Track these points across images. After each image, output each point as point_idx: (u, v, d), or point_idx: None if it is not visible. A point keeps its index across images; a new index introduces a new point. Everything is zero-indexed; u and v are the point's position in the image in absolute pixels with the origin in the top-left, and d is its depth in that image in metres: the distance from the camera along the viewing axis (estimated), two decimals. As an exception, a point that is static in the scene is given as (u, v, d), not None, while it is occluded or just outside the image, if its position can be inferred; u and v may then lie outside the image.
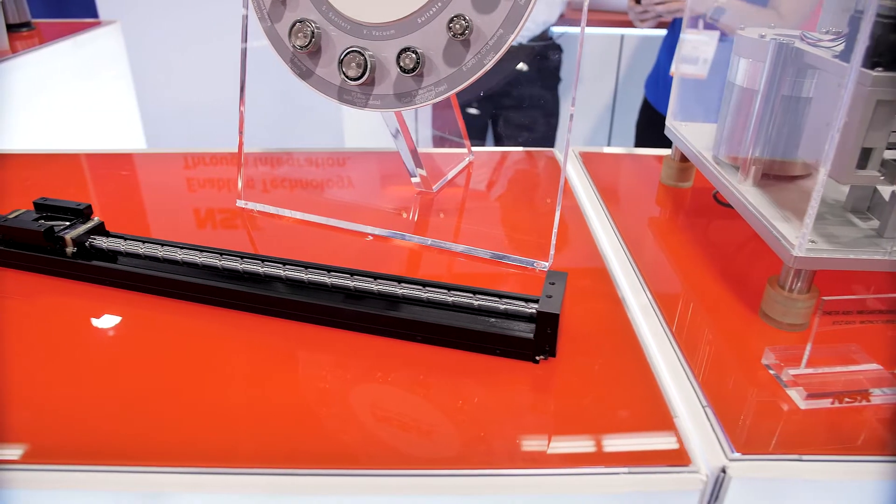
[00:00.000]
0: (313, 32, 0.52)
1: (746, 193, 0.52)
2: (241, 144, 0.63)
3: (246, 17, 0.58)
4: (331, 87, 0.54)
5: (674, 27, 1.34)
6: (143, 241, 0.51)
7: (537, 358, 0.43)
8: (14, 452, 0.36)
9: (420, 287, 0.45)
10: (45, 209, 0.53)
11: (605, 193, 0.67)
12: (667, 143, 0.70)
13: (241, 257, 0.49)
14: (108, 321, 0.47)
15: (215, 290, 0.47)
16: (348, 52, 0.51)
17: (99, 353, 0.44)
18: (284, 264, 0.47)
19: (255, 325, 0.46)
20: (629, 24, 1.39)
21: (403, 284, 0.46)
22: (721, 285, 0.52)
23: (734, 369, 0.43)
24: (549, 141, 1.71)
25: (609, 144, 2.15)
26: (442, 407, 0.39)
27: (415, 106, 0.51)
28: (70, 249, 0.50)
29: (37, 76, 1.32)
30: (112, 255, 0.51)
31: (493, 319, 0.44)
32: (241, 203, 0.64)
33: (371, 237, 0.58)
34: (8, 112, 1.23)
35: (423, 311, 0.45)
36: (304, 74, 0.55)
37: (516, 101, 1.67)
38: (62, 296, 0.49)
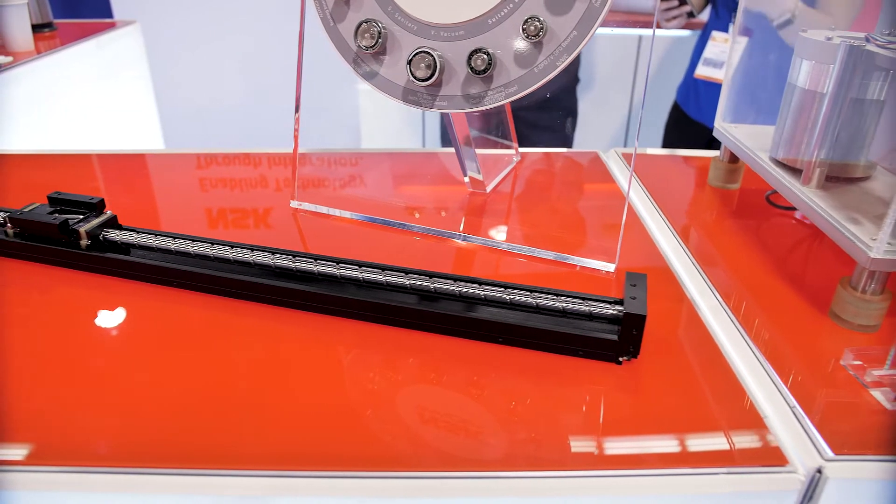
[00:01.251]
0: (380, 33, 0.52)
1: (812, 196, 0.52)
2: (296, 146, 0.63)
3: (303, 24, 0.58)
4: (395, 87, 0.54)
5: (705, 32, 1.35)
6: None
7: (620, 359, 0.43)
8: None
9: (501, 289, 0.45)
10: (59, 203, 0.54)
11: (654, 195, 0.68)
12: (694, 146, 0.70)
13: (314, 259, 0.49)
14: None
15: (283, 290, 0.47)
16: (417, 53, 0.51)
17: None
18: (360, 266, 0.47)
19: (312, 323, 0.46)
20: (649, 25, 1.39)
21: (485, 286, 0.46)
22: (786, 286, 0.52)
23: (813, 370, 0.43)
24: (568, 142, 1.71)
25: (625, 146, 2.15)
26: (536, 409, 0.39)
27: (483, 108, 0.51)
28: (84, 242, 0.51)
29: (60, 76, 1.31)
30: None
31: (567, 320, 0.44)
32: (294, 204, 0.63)
33: (419, 237, 0.58)
34: (32, 112, 1.22)
35: (501, 313, 0.45)
36: (368, 75, 0.55)
37: (535, 102, 1.67)
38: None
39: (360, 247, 0.57)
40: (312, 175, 0.71)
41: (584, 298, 0.44)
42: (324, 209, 0.62)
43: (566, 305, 0.45)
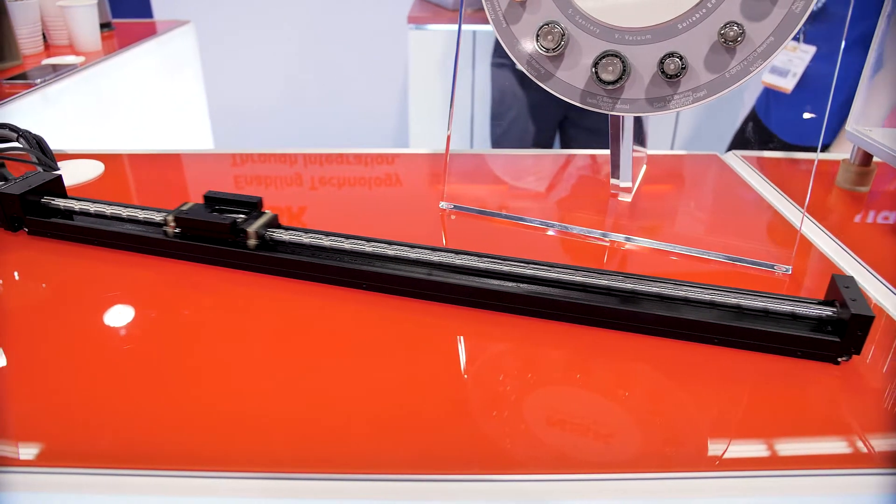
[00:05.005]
0: (562, 35, 0.53)
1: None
2: (447, 147, 0.63)
3: (459, 27, 0.59)
4: (573, 89, 0.55)
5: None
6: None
7: (839, 360, 0.43)
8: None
9: (700, 289, 0.46)
10: (216, 202, 0.54)
11: (792, 197, 0.68)
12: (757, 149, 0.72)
13: (490, 258, 0.49)
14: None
15: (485, 292, 0.48)
16: (605, 56, 0.52)
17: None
18: (552, 267, 0.48)
19: (509, 322, 0.47)
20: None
21: (683, 286, 0.46)
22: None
23: None
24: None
25: (672, 148, 2.17)
26: (758, 409, 0.40)
27: (669, 111, 0.52)
28: (252, 242, 0.51)
29: (126, 76, 1.31)
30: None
31: (771, 320, 0.45)
32: (444, 205, 0.64)
33: (553, 232, 0.59)
34: (103, 112, 1.22)
35: (702, 312, 0.46)
36: (543, 77, 0.55)
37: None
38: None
39: (519, 248, 0.58)
40: (460, 176, 0.71)
41: (783, 299, 0.45)
42: (476, 210, 0.63)
43: (770, 306, 0.45)
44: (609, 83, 0.52)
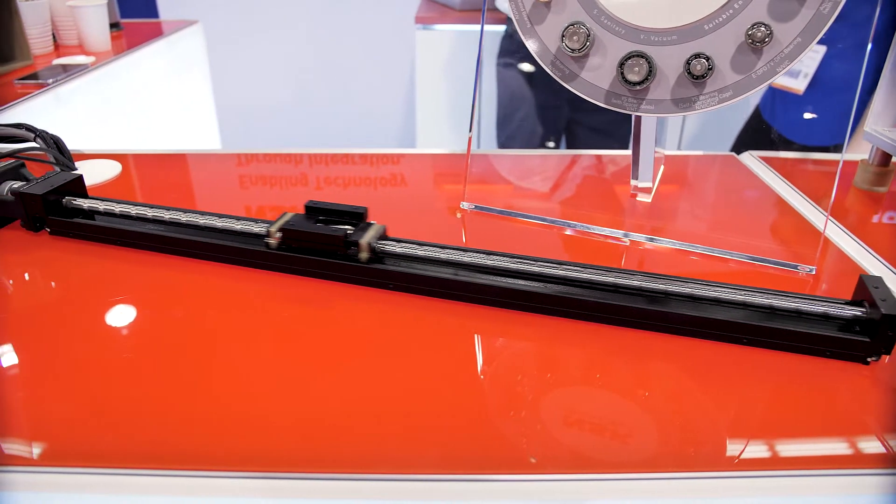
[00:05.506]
0: (588, 35, 0.53)
1: None
2: (469, 148, 0.63)
3: (482, 27, 0.59)
4: (597, 90, 0.55)
5: None
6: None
7: (868, 360, 0.44)
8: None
9: (733, 290, 0.46)
10: (318, 212, 0.53)
11: (810, 197, 0.69)
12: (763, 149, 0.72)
13: (524, 259, 0.49)
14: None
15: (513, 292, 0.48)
16: (631, 57, 0.52)
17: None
18: (583, 267, 0.48)
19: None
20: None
21: (713, 287, 0.46)
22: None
23: None
24: (623, 145, 1.72)
25: (678, 149, 2.17)
26: (788, 409, 0.40)
27: (694, 111, 0.52)
28: (364, 255, 0.50)
29: (136, 76, 1.31)
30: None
31: (802, 320, 0.45)
32: (465, 205, 0.64)
33: (571, 232, 0.59)
34: (114, 112, 1.22)
35: (730, 312, 0.46)
36: (567, 77, 0.55)
37: (589, 105, 1.67)
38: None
39: (537, 248, 0.58)
40: (481, 176, 0.71)
41: (814, 300, 0.45)
42: (495, 210, 0.63)
43: (801, 306, 0.45)
44: (635, 84, 0.52)
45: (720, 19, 0.50)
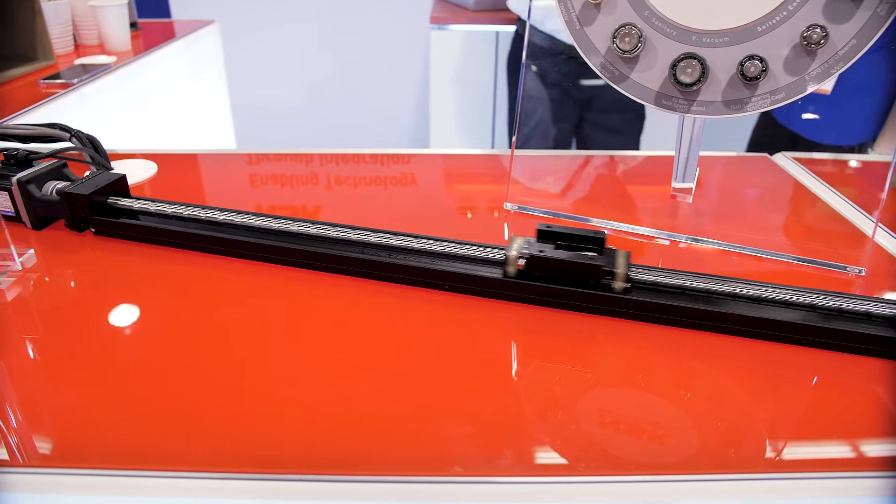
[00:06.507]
0: (639, 37, 0.53)
1: None
2: (513, 149, 0.63)
3: (527, 25, 0.59)
4: (647, 91, 0.55)
5: None
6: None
7: (922, 360, 0.44)
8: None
9: (774, 288, 0.46)
10: (551, 237, 0.48)
11: (847, 196, 0.69)
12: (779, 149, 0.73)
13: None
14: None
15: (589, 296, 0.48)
16: (683, 58, 0.52)
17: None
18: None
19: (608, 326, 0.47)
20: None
21: (759, 287, 0.46)
22: None
23: None
24: (635, 145, 1.72)
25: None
26: (843, 410, 0.40)
27: (745, 113, 0.52)
28: (620, 285, 0.46)
29: (155, 76, 1.31)
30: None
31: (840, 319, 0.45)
32: (508, 206, 0.64)
33: (609, 231, 0.59)
34: (135, 112, 1.22)
35: (787, 313, 0.46)
36: (617, 79, 0.56)
37: (604, 105, 1.67)
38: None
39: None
40: (524, 177, 0.71)
41: (882, 302, 0.45)
42: (540, 212, 0.63)
43: (843, 305, 0.46)
44: (687, 85, 0.52)
45: (774, 21, 0.50)
